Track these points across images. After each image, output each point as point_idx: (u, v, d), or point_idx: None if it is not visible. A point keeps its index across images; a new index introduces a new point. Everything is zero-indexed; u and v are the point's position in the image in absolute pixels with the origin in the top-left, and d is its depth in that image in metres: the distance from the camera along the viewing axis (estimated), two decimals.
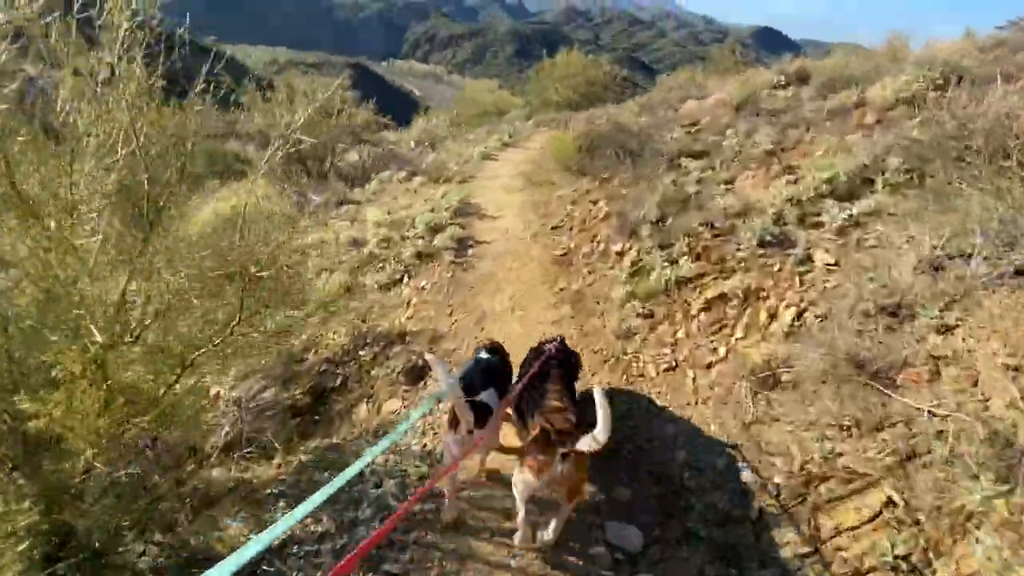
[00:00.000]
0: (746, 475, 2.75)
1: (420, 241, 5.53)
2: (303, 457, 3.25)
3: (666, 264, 4.21)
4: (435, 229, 5.70)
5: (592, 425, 2.12)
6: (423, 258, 5.37)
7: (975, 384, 2.39)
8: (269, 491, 2.94)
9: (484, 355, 2.96)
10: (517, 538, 2.44)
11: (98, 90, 2.10)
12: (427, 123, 16.71)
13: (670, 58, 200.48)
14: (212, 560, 1.19)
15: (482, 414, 2.43)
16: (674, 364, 3.58)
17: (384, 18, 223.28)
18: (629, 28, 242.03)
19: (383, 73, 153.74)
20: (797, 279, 3.61)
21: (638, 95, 37.57)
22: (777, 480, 2.64)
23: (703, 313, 3.78)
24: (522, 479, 2.26)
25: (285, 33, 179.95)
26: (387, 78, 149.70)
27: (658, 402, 3.36)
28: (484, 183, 7.59)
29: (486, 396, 2.55)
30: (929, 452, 2.28)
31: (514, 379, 2.99)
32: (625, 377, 3.61)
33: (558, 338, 3.15)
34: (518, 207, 6.47)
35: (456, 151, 10.52)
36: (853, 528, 2.28)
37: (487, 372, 2.78)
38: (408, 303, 4.85)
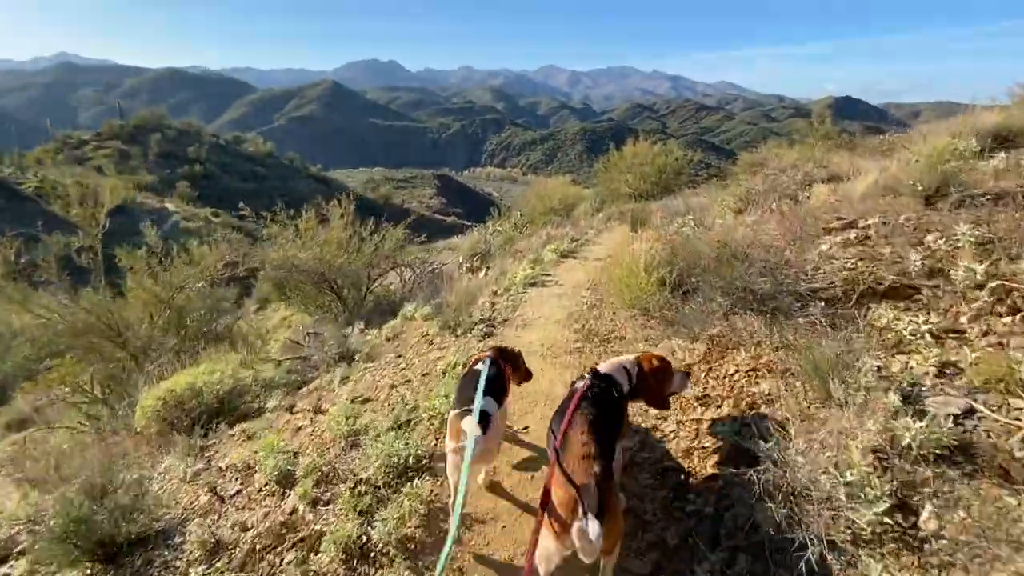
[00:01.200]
0: None
1: (368, 501, 2.94)
2: None
3: None
4: (397, 478, 3.09)
5: None
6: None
7: None
8: None
9: (482, 366, 2.85)
10: None
11: None
12: (484, 232, 14.95)
13: (742, 136, 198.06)
14: None
15: (484, 417, 2.45)
16: None
17: (466, 134, 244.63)
18: (696, 114, 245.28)
19: (465, 180, 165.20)
20: None
21: (715, 178, 34.73)
22: None
23: None
24: (543, 548, 1.88)
25: (382, 156, 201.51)
26: (469, 184, 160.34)
27: None
28: (516, 337, 5.05)
29: (485, 404, 2.53)
30: None
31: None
32: None
33: (589, 372, 2.52)
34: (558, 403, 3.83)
35: (503, 269, 8.31)
36: None
37: (487, 382, 2.68)
38: None
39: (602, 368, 2.57)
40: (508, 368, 3.02)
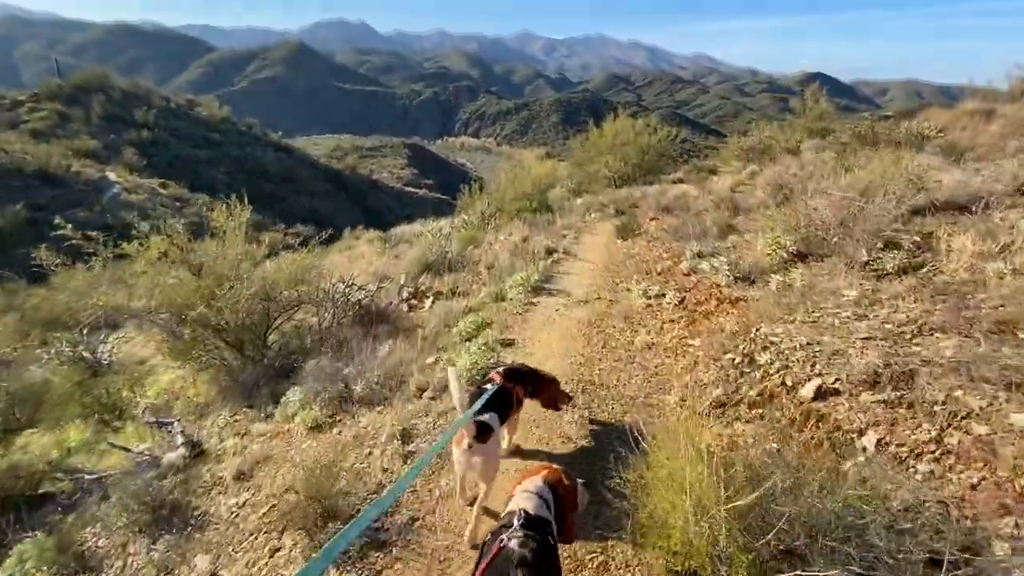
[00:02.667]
0: None
1: None
2: None
3: None
4: None
5: None
6: None
7: None
8: None
9: (488, 386, 2.98)
10: None
11: None
12: (439, 237, 12.57)
13: (716, 111, 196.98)
14: None
15: (483, 432, 2.65)
16: None
17: (438, 102, 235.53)
18: (671, 87, 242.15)
19: (437, 150, 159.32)
20: None
21: (695, 157, 32.67)
22: None
23: None
24: None
25: (351, 123, 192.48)
26: (441, 154, 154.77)
27: None
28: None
29: (487, 417, 2.72)
30: None
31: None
32: None
33: (518, 516, 2.02)
34: None
35: (450, 309, 6.16)
36: None
37: (490, 397, 2.81)
38: None
39: (531, 508, 2.03)
40: (518, 390, 3.07)
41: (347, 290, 6.64)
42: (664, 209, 11.09)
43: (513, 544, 1.81)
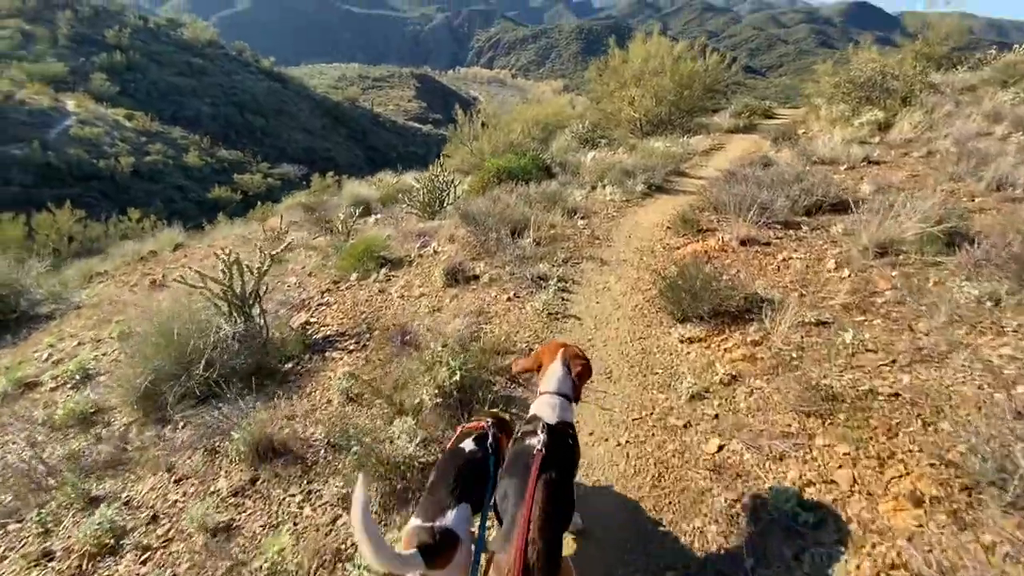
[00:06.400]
0: None
1: None
2: None
3: None
4: None
5: None
6: None
7: None
8: None
9: (469, 444, 1.87)
10: None
11: None
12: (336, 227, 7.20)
13: (749, 42, 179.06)
14: None
15: (443, 546, 1.53)
16: None
17: (451, 28, 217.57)
18: (701, 15, 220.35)
19: (448, 82, 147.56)
20: None
21: (740, 95, 25.53)
22: None
23: None
24: None
25: (358, 50, 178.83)
26: (452, 86, 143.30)
27: None
28: None
29: (453, 518, 1.60)
30: None
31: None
32: None
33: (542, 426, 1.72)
34: None
35: None
36: None
37: (463, 477, 1.72)
38: None
39: (553, 418, 1.77)
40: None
41: None
42: (745, 184, 5.61)
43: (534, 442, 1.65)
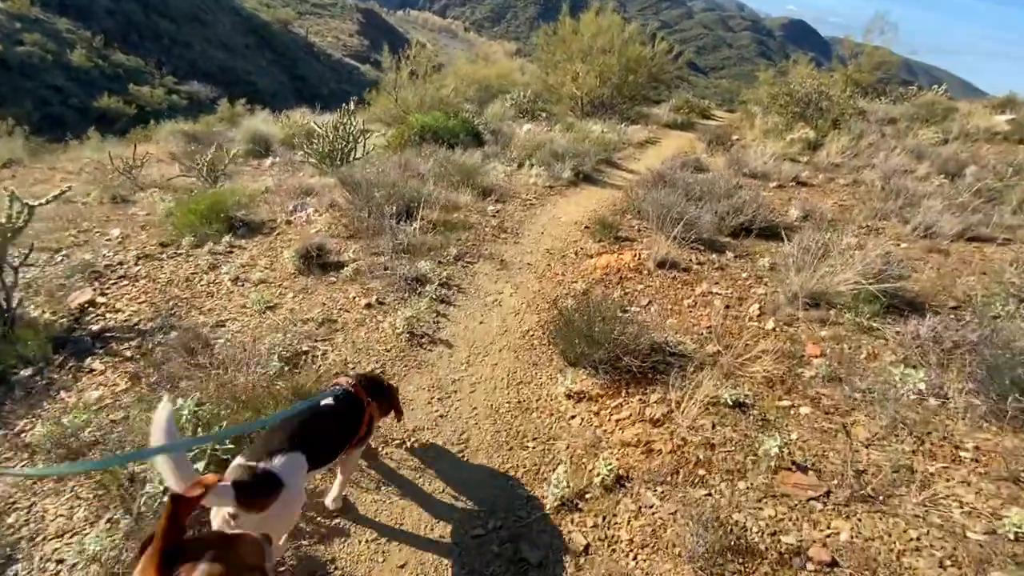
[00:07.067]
0: None
1: None
2: None
3: None
4: None
5: None
6: None
7: None
8: None
9: (326, 399, 1.80)
10: None
11: None
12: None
13: (697, 39, 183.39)
14: None
15: (262, 489, 1.42)
16: None
17: None
18: (658, 3, 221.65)
19: (396, 23, 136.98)
20: None
21: (681, 90, 25.27)
22: None
23: None
24: None
25: None
26: (399, 28, 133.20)
27: None
28: None
29: (280, 463, 1.49)
30: None
31: None
32: None
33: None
34: None
35: None
36: None
37: (305, 426, 1.63)
38: None
39: None
40: (372, 406, 1.88)
41: None
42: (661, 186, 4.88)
43: None
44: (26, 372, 2.84)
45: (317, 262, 4.05)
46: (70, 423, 2.21)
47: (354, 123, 7.80)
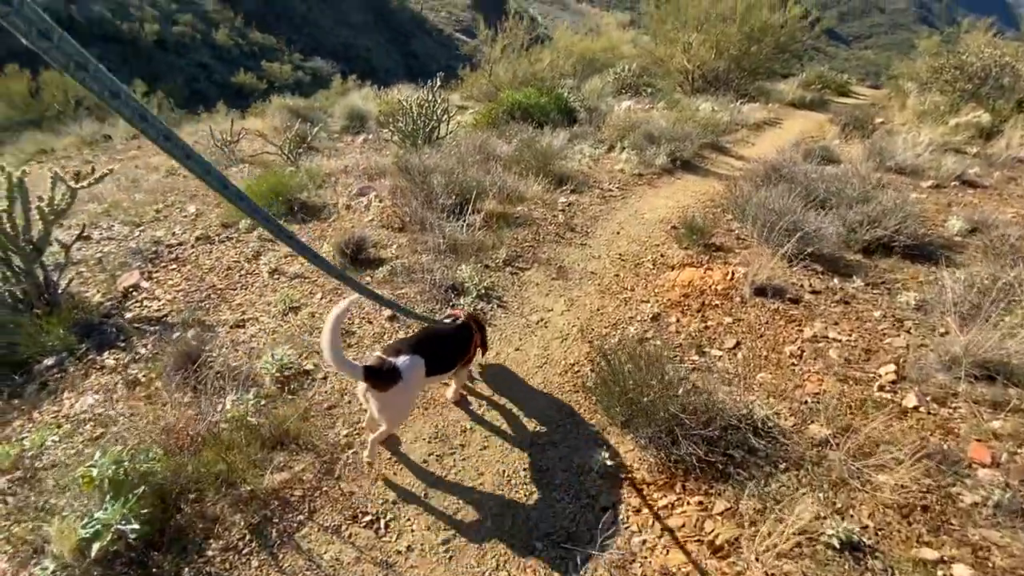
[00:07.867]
0: None
1: None
2: None
3: None
4: None
5: None
6: None
7: None
8: None
9: (445, 321, 2.33)
10: None
11: None
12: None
13: (841, 3, 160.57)
14: None
15: (386, 376, 1.86)
16: None
17: None
18: None
19: None
20: None
21: (815, 60, 21.78)
22: None
23: None
24: None
25: None
26: (512, 0, 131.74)
27: None
28: None
29: (403, 361, 1.92)
30: None
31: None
32: None
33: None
34: None
35: None
36: None
37: (426, 338, 2.13)
38: None
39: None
40: (477, 336, 2.38)
41: None
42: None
43: None
44: (48, 362, 2.79)
45: (357, 257, 3.70)
46: (31, 444, 2.01)
47: (439, 100, 7.40)
